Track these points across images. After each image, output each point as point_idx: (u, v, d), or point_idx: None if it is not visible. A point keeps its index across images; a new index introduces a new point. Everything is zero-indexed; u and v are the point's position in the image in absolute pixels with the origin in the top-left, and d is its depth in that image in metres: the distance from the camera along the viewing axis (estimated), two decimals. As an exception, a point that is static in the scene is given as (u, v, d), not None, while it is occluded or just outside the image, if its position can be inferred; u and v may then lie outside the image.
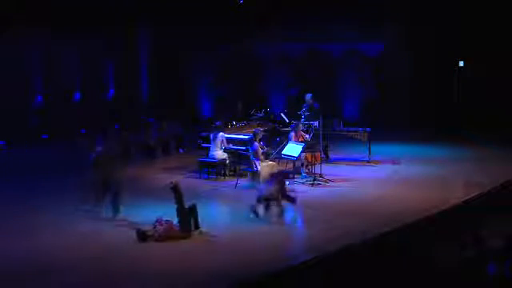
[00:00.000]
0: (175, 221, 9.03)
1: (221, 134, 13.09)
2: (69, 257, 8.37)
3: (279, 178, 10.12)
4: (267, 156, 11.88)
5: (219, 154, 13.00)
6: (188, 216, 9.01)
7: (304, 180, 12.74)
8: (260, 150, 12.32)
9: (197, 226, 9.07)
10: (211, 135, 13.21)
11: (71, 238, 9.19)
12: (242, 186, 12.33)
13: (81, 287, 7.54)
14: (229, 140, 13.36)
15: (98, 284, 7.59)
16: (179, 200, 9.04)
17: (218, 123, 13.56)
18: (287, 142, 12.84)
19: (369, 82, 21.63)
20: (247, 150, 12.72)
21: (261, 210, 10.01)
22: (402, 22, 20.13)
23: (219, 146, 13.01)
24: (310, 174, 13.00)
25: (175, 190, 9.09)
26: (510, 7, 18.58)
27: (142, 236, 8.80)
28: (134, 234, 8.87)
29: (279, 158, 12.80)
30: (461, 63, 19.33)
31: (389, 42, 20.99)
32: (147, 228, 8.94)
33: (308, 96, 14.77)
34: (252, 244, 8.88)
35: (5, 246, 8.78)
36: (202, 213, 9.32)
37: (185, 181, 13.08)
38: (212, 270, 7.86)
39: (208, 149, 13.36)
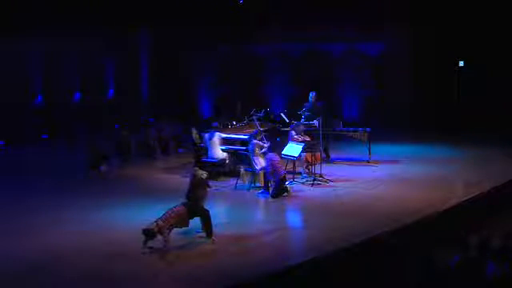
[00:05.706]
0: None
1: (217, 133, 13.09)
2: (68, 256, 8.37)
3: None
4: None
5: (219, 153, 12.99)
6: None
7: (304, 180, 12.75)
8: (258, 150, 12.32)
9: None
10: (207, 135, 13.18)
11: (71, 238, 9.18)
12: (242, 186, 12.34)
13: (80, 287, 7.54)
14: (229, 140, 13.35)
15: (98, 283, 7.59)
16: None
17: (215, 124, 13.56)
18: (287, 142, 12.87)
19: (369, 82, 21.62)
20: (247, 150, 12.72)
21: None
22: (402, 21, 20.11)
23: (217, 145, 13.00)
24: (310, 173, 13.00)
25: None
26: (509, 7, 18.56)
27: (150, 234, 8.52)
28: (133, 233, 8.83)
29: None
30: (461, 63, 19.31)
31: (389, 41, 20.97)
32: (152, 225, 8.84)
33: (312, 94, 14.85)
34: (252, 244, 8.88)
35: (4, 245, 8.79)
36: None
37: (184, 181, 13.09)
38: (212, 270, 7.86)
39: (207, 149, 13.35)
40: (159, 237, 8.50)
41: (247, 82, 22.12)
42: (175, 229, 8.73)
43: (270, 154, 11.61)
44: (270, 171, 11.46)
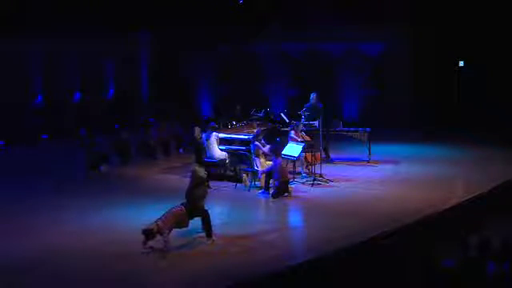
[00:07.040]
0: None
1: (214, 133, 13.06)
2: (68, 257, 8.36)
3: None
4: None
5: (218, 153, 12.97)
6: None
7: (304, 180, 12.75)
8: (260, 150, 12.32)
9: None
10: (204, 136, 13.15)
11: (71, 238, 9.18)
12: (242, 186, 12.33)
13: (80, 287, 7.54)
14: (229, 140, 13.34)
15: (99, 283, 7.58)
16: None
17: (212, 124, 13.56)
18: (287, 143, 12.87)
19: (369, 81, 21.63)
20: (248, 150, 12.71)
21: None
22: (402, 21, 20.11)
23: (215, 145, 12.98)
24: (310, 173, 13.01)
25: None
26: (509, 7, 18.57)
27: (150, 234, 8.48)
28: (133, 233, 8.81)
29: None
30: (461, 63, 19.31)
31: (389, 41, 20.98)
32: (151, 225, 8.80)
33: (313, 95, 14.87)
34: (252, 244, 8.88)
35: (4, 245, 8.78)
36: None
37: (185, 181, 13.10)
38: (212, 270, 7.86)
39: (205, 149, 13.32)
40: (159, 237, 8.50)
41: (247, 82, 22.12)
42: (175, 229, 8.73)
43: (279, 160, 11.59)
44: (278, 177, 11.44)
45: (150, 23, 21.10)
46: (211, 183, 12.59)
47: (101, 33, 18.87)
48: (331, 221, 9.97)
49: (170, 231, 8.56)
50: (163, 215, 8.63)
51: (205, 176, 9.03)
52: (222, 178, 12.89)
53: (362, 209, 10.65)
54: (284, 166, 11.73)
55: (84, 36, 18.61)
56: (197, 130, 13.56)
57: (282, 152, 12.37)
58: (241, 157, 13.04)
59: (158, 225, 8.45)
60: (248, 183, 12.27)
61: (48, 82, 19.23)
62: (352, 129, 15.04)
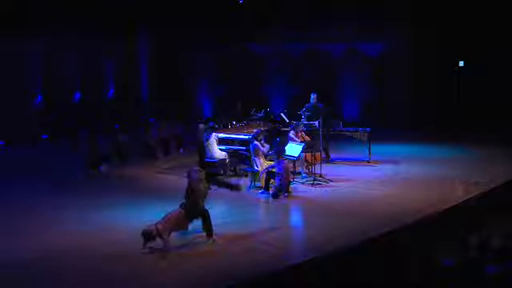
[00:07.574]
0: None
1: (214, 134, 13.06)
2: (68, 257, 8.36)
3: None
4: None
5: (218, 153, 12.97)
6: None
7: (304, 180, 12.75)
8: (259, 150, 12.31)
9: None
10: (204, 136, 13.14)
11: (70, 238, 9.18)
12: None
13: (80, 287, 7.54)
14: (229, 140, 13.33)
15: (98, 284, 7.58)
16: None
17: (211, 124, 13.56)
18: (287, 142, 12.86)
19: (369, 82, 21.64)
20: (247, 150, 12.71)
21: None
22: (402, 21, 20.14)
23: (215, 145, 12.98)
24: (310, 173, 13.01)
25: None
26: (509, 7, 18.57)
27: (149, 237, 8.49)
28: (133, 233, 8.81)
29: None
30: (461, 63, 19.32)
31: (389, 41, 20.99)
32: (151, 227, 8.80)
33: (314, 95, 14.90)
34: (252, 244, 8.88)
35: (3, 245, 8.78)
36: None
37: (184, 181, 13.08)
38: (212, 270, 7.86)
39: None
40: (159, 239, 8.50)
41: (247, 82, 22.13)
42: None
43: (283, 161, 11.60)
44: (282, 178, 11.44)
45: (150, 23, 21.12)
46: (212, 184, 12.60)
47: (101, 33, 18.88)
48: (331, 221, 9.97)
49: (169, 234, 8.56)
50: (163, 218, 8.62)
51: (202, 175, 8.97)
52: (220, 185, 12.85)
53: (362, 209, 10.65)
54: (288, 166, 11.71)
55: (84, 36, 18.62)
56: (201, 127, 13.54)
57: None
58: (241, 157, 13.04)
59: (157, 228, 8.45)
60: (244, 189, 12.22)
61: (48, 82, 19.23)
62: (352, 129, 15.05)
